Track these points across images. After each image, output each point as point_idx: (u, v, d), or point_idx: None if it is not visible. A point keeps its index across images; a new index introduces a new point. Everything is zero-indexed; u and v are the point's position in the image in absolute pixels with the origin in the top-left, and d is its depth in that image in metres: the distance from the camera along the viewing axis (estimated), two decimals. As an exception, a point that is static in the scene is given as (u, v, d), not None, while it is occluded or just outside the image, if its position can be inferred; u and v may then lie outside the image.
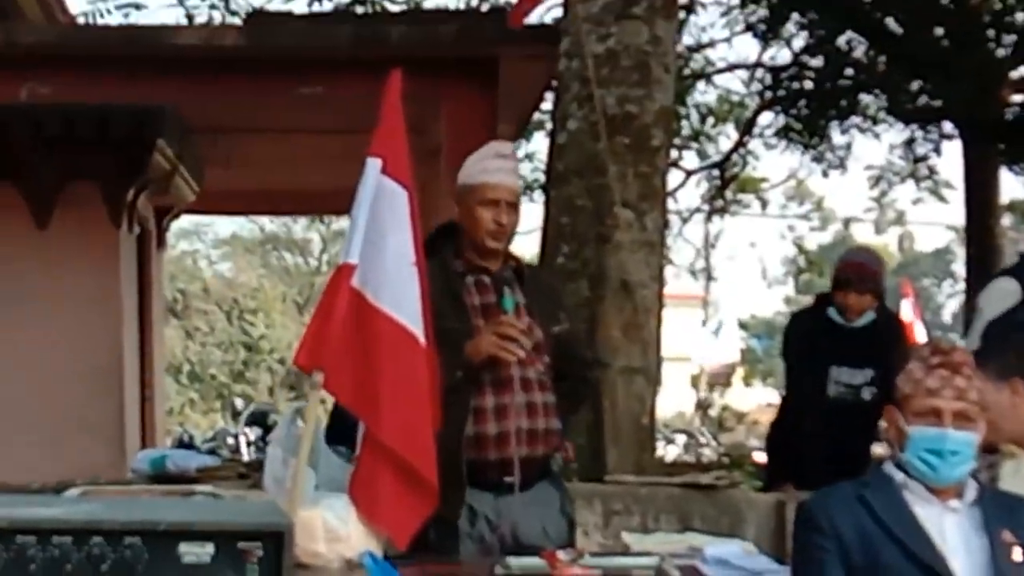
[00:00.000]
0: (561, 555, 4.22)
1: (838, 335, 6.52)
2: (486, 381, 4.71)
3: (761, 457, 13.37)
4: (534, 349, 4.77)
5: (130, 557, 3.12)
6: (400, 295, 4.43)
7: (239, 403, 20.24)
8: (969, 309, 14.90)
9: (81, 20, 14.73)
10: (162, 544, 3.15)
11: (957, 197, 17.00)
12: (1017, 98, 15.08)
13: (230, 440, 16.89)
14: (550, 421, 4.80)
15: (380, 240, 4.43)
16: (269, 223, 41.38)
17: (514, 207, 4.86)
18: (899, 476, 3.67)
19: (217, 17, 14.86)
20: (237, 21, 14.21)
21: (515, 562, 4.20)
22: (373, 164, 4.48)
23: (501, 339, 4.63)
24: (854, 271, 6.48)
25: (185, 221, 29.90)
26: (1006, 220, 18.42)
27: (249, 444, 16.45)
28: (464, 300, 4.80)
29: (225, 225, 43.11)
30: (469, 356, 4.66)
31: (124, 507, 3.70)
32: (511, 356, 4.64)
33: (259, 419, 17.40)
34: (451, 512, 4.63)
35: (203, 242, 43.09)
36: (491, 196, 4.79)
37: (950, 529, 3.58)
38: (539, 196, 15.87)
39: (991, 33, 14.60)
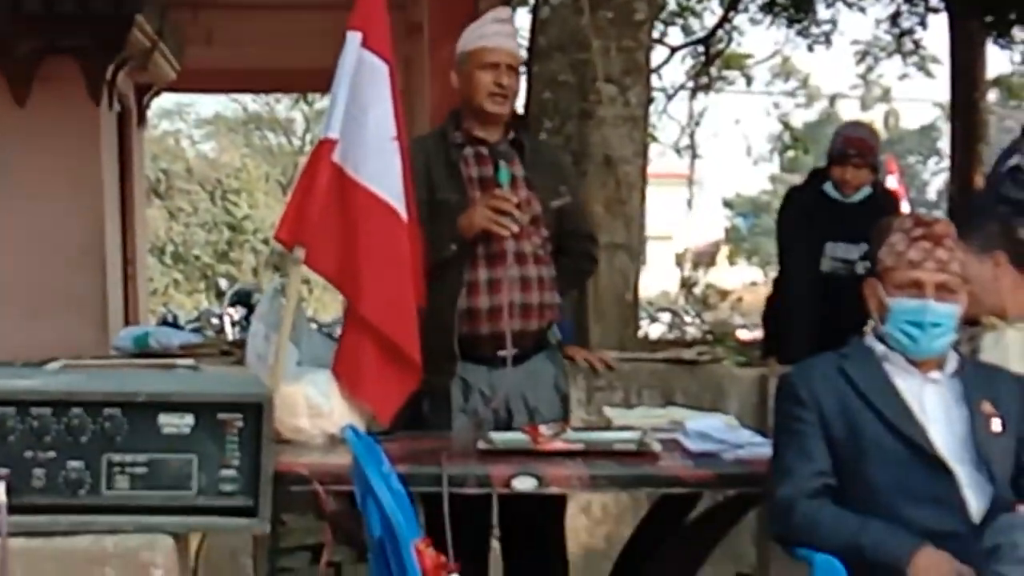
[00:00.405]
0: (543, 429, 4.23)
1: (835, 210, 6.48)
2: (479, 254, 4.69)
3: (744, 334, 13.48)
4: (532, 222, 4.75)
5: (110, 428, 3.13)
6: (381, 170, 4.41)
7: (223, 283, 20.21)
8: (953, 186, 14.88)
9: None
10: (142, 415, 3.16)
11: (943, 73, 16.88)
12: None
13: (214, 320, 16.95)
14: (545, 295, 4.78)
15: (361, 115, 4.41)
16: (252, 102, 41.12)
17: (514, 71, 4.85)
18: (880, 348, 3.67)
19: None
20: None
21: (498, 436, 4.21)
22: (353, 38, 4.45)
23: (494, 213, 4.60)
24: (855, 145, 6.43)
25: (167, 100, 29.78)
26: (992, 96, 18.31)
27: (234, 324, 16.50)
28: (461, 171, 4.77)
29: (207, 105, 42.92)
30: (462, 229, 4.64)
31: (104, 379, 3.70)
32: (504, 231, 4.61)
33: (243, 299, 17.39)
34: (442, 385, 4.65)
35: (185, 122, 42.71)
36: (490, 59, 4.76)
37: (930, 400, 3.59)
38: (521, 71, 15.75)
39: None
